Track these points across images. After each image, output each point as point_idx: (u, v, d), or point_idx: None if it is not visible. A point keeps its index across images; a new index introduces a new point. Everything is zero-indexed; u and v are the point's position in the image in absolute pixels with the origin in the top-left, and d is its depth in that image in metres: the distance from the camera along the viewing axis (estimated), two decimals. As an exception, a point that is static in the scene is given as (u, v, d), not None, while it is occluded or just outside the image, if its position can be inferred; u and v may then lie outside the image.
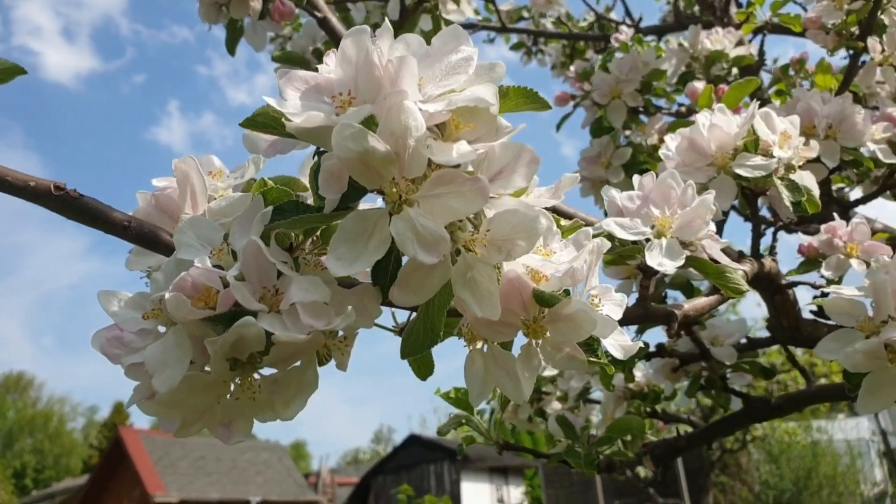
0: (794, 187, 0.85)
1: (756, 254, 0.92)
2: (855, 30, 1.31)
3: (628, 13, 2.34)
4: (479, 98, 0.50)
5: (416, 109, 0.46)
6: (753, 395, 1.15)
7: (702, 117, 0.87)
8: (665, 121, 1.49)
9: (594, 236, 0.75)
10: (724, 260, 0.70)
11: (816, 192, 0.89)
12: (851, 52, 1.31)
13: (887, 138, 1.15)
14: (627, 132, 1.54)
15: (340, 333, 0.55)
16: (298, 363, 0.50)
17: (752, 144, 0.87)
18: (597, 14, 2.72)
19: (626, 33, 2.07)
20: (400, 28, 1.15)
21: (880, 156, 1.13)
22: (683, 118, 1.47)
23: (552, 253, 0.61)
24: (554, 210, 1.22)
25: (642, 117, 1.52)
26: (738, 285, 0.72)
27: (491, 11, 2.69)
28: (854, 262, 1.00)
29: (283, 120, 0.51)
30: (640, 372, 1.36)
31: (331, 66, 0.53)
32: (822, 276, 1.01)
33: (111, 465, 15.05)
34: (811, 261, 1.05)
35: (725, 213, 0.99)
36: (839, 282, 1.01)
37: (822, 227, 1.04)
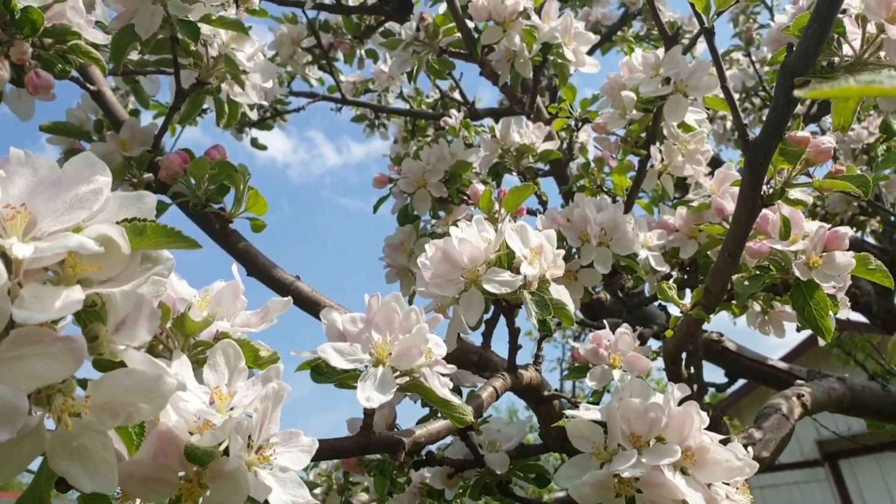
0: (542, 304, 0.84)
1: (512, 367, 0.90)
2: (644, 134, 1.38)
3: (462, 95, 2.39)
4: (101, 236, 0.44)
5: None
6: (531, 499, 1.13)
7: (454, 229, 0.85)
8: (468, 212, 1.50)
9: (313, 360, 0.70)
10: (441, 392, 0.66)
11: (571, 306, 0.89)
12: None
13: (661, 245, 1.19)
14: (434, 221, 1.53)
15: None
16: None
17: (506, 258, 0.86)
18: (441, 92, 2.77)
19: (455, 117, 2.10)
20: (176, 110, 1.08)
21: (653, 263, 1.17)
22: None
23: (234, 394, 0.56)
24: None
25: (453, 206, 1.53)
26: (463, 415, 0.69)
27: (333, 90, 2.67)
28: (616, 373, 1.01)
29: None
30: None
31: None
32: (589, 387, 1.01)
33: None
34: (582, 368, 1.05)
35: (495, 319, 0.97)
36: (603, 392, 1.02)
37: (591, 335, 1.05)
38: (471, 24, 1.42)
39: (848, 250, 0.92)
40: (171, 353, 0.60)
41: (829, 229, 0.92)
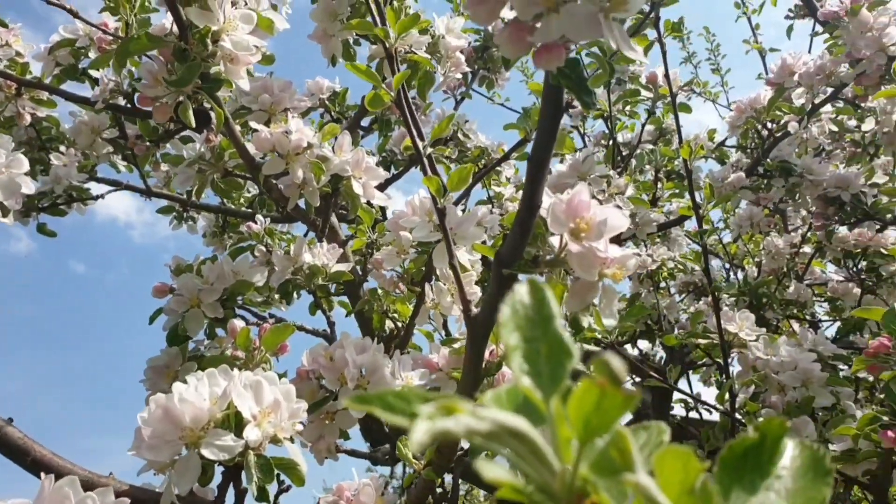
0: (266, 469, 0.82)
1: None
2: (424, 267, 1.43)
3: (276, 201, 2.37)
4: None
5: None
6: None
7: (178, 385, 0.82)
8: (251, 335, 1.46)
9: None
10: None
11: (304, 466, 0.87)
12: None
13: (422, 385, 1.21)
14: (207, 342, 1.48)
15: None
16: None
17: (233, 418, 0.83)
18: (260, 190, 2.72)
19: (260, 223, 2.06)
20: None
21: (411, 405, 1.18)
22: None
23: None
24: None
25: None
26: None
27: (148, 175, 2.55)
28: (357, 528, 0.99)
29: None
30: None
31: None
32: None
33: None
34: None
35: (229, 476, 0.93)
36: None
37: (335, 486, 1.03)
38: (256, 150, 1.42)
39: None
40: None
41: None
